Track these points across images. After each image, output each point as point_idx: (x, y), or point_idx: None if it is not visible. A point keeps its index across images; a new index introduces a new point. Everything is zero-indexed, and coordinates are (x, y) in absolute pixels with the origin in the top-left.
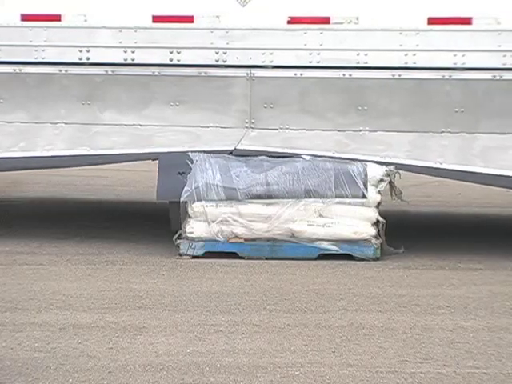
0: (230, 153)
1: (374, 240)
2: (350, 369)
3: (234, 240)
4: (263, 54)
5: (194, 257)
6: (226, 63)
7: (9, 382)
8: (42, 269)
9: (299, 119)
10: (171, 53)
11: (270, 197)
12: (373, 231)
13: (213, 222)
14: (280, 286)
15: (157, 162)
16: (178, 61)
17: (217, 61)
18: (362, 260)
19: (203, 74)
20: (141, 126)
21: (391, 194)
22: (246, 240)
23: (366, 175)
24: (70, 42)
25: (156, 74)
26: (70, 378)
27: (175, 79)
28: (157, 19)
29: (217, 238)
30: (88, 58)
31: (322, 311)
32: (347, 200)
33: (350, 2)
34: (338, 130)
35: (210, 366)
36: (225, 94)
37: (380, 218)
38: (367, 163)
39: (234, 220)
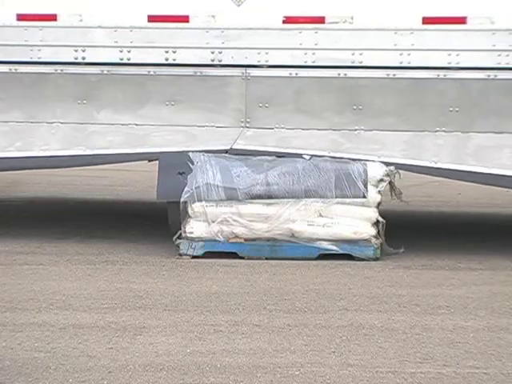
0: (226, 152)
1: (374, 240)
2: (350, 369)
3: (233, 240)
4: (258, 53)
5: (194, 257)
6: (222, 63)
7: (9, 382)
8: (41, 269)
9: (294, 118)
10: (167, 52)
11: (270, 197)
12: (373, 231)
13: (213, 222)
14: (280, 286)
15: (154, 162)
16: (174, 60)
17: (212, 60)
18: (362, 260)
19: (199, 74)
20: (136, 125)
21: (391, 194)
22: (245, 240)
23: (366, 175)
24: (66, 41)
25: (152, 73)
26: (70, 378)
27: (171, 79)
28: (152, 19)
29: (217, 238)
30: (84, 58)
31: (321, 311)
32: (347, 200)
33: (345, 1)
34: (334, 130)
35: (210, 366)
36: (220, 94)
37: (380, 218)
38: (367, 163)
39: (234, 220)
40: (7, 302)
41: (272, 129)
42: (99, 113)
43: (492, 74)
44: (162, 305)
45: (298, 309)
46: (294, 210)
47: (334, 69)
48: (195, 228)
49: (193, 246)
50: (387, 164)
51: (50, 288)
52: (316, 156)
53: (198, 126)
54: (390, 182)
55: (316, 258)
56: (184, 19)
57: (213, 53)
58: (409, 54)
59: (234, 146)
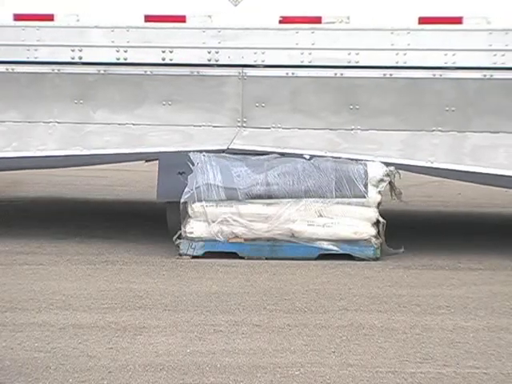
0: (223, 152)
1: (374, 240)
2: (350, 369)
3: (233, 240)
4: (255, 53)
5: (193, 257)
6: (218, 62)
7: (9, 382)
8: (42, 269)
9: (291, 118)
10: (164, 52)
11: (270, 197)
12: (373, 231)
13: (213, 222)
14: (280, 286)
15: (153, 162)
16: (171, 60)
17: (209, 60)
18: (362, 260)
19: (195, 74)
20: (133, 125)
21: (391, 194)
22: (245, 240)
23: (366, 175)
24: (63, 41)
25: (148, 73)
26: (70, 378)
27: (168, 78)
28: (149, 19)
29: (217, 238)
30: (80, 58)
31: (322, 311)
32: (347, 200)
33: (342, 1)
34: (330, 129)
35: (210, 366)
36: (217, 94)
37: (380, 218)
38: (367, 163)
39: (234, 220)
40: (7, 301)
41: (269, 128)
42: (96, 113)
43: (488, 73)
44: (161, 305)
45: (297, 309)
46: (294, 210)
47: (331, 69)
48: (195, 228)
49: (193, 246)
50: (384, 164)
51: (49, 288)
52: (313, 156)
53: (195, 126)
54: (390, 182)
55: (316, 258)
56: (181, 19)
57: (209, 53)
58: (405, 54)
59: (231, 146)
